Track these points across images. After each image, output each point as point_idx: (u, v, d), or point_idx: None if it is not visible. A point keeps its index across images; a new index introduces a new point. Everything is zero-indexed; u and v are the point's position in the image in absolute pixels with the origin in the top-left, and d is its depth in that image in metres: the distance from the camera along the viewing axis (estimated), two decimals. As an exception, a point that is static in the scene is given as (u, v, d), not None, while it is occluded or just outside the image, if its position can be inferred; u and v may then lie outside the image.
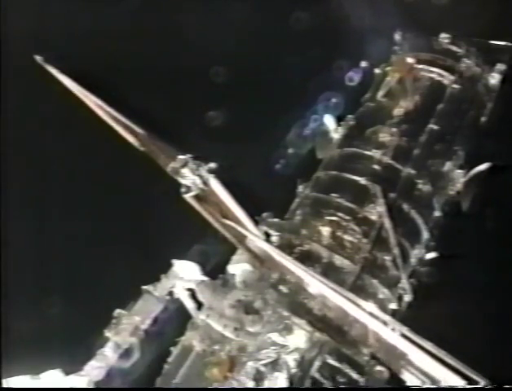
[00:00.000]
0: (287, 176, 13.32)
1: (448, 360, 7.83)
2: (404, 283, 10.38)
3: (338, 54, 15.10)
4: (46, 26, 16.55)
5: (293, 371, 9.14)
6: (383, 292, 10.13)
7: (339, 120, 13.14)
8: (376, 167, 11.49)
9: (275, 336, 9.47)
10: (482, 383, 7.46)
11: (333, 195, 11.12)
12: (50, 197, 13.57)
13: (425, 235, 11.09)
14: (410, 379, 8.74)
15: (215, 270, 10.97)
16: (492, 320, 10.39)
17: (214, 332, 9.90)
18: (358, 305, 8.73)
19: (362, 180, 11.13)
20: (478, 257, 10.97)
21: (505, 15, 14.43)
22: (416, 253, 10.86)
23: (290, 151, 14.13)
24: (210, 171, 9.55)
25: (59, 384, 9.25)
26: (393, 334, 8.44)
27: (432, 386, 8.31)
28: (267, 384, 9.06)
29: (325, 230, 10.71)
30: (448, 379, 7.81)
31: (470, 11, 14.49)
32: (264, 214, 11.34)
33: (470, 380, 7.54)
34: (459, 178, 11.76)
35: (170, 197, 9.89)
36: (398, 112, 12.58)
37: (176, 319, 10.62)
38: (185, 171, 9.37)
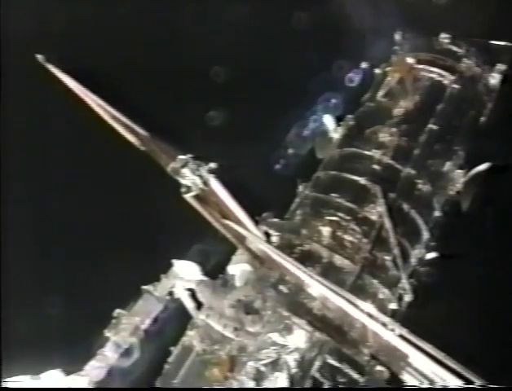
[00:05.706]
0: (287, 176, 13.30)
1: (446, 361, 7.84)
2: (404, 283, 10.37)
3: (338, 55, 15.09)
4: (47, 26, 16.55)
5: (294, 371, 9.13)
6: (383, 292, 10.11)
7: (339, 120, 13.14)
8: (376, 167, 11.48)
9: (275, 336, 9.46)
10: (477, 383, 7.46)
11: (333, 195, 11.11)
12: (49, 197, 13.57)
13: (425, 235, 11.08)
14: (410, 379, 8.75)
15: (215, 270, 10.97)
16: (492, 320, 10.39)
17: (214, 332, 9.89)
18: (356, 307, 8.73)
19: (362, 180, 11.14)
20: (478, 257, 10.96)
21: (505, 15, 14.42)
22: (416, 253, 10.85)
23: (290, 151, 14.12)
24: (210, 171, 9.56)
25: (59, 384, 9.25)
26: (392, 335, 8.45)
27: (431, 386, 8.32)
28: (267, 384, 9.05)
29: (325, 230, 10.70)
30: (446, 379, 7.82)
31: (470, 11, 14.47)
32: (264, 214, 11.32)
33: (466, 381, 7.55)
34: (459, 178, 11.75)
35: (170, 197, 9.89)
36: (398, 112, 12.57)
37: (176, 319, 10.62)
38: (185, 171, 9.38)
